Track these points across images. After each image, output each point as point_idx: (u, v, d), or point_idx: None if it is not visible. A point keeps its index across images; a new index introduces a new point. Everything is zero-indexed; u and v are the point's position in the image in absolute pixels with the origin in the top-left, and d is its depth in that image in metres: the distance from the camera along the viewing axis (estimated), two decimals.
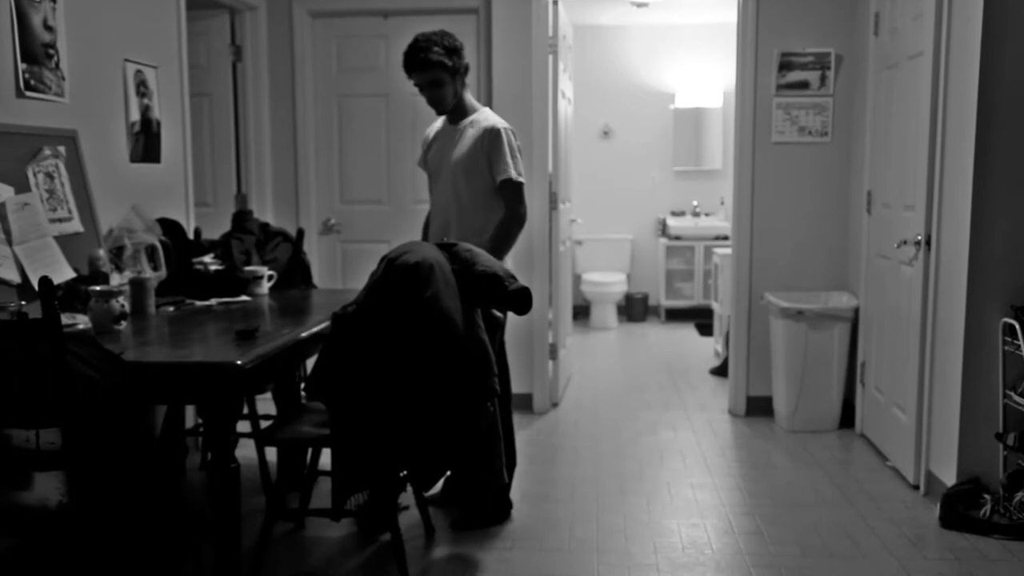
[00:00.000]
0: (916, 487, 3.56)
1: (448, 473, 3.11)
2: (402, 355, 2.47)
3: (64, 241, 2.94)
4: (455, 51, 3.27)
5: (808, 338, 4.30)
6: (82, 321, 2.45)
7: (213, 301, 3.12)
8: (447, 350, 2.50)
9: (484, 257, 2.69)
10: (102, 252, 2.97)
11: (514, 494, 3.42)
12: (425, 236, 3.55)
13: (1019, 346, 3.03)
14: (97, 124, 3.35)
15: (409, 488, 3.19)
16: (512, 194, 3.27)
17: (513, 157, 3.26)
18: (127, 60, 3.55)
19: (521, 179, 3.28)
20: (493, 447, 3.28)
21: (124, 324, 2.57)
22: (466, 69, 3.34)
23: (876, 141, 4.13)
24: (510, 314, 2.97)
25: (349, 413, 2.51)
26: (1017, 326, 3.05)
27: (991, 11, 3.09)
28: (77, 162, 3.16)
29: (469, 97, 3.41)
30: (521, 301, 2.65)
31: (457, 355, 2.52)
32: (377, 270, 2.52)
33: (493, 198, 3.29)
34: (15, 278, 2.70)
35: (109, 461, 2.09)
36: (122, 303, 2.57)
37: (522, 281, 2.69)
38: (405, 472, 2.78)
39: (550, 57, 4.68)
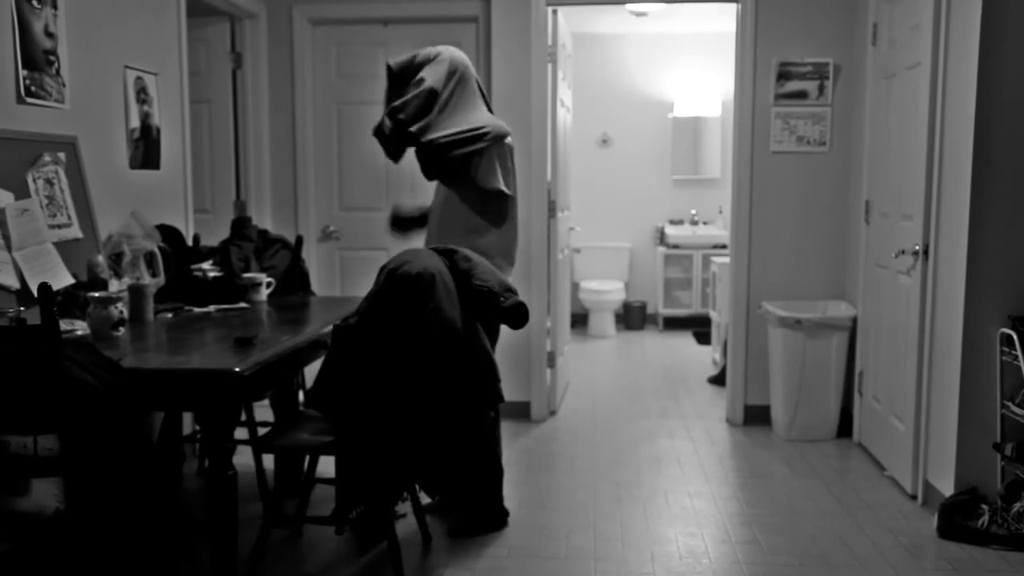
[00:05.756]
0: (914, 497, 3.56)
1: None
2: (406, 366, 2.46)
3: (63, 247, 2.94)
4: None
5: (806, 347, 4.31)
6: (80, 327, 2.46)
7: (212, 308, 3.12)
8: (452, 360, 2.50)
9: (481, 269, 2.69)
10: (101, 258, 2.97)
11: (511, 502, 3.42)
12: None
13: (1017, 356, 3.04)
14: (97, 130, 3.35)
15: (406, 496, 3.19)
16: None
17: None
18: (127, 67, 3.56)
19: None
20: (493, 453, 3.28)
21: (122, 330, 2.57)
22: None
23: (874, 151, 4.14)
24: None
25: (353, 425, 2.50)
26: (1015, 336, 3.05)
27: (989, 21, 3.10)
28: (77, 168, 3.16)
29: None
30: (516, 316, 2.66)
31: (462, 364, 2.52)
32: (378, 281, 2.52)
33: (455, 196, 3.16)
34: (14, 284, 2.70)
35: (106, 467, 2.09)
36: (121, 309, 2.57)
37: (520, 289, 2.69)
38: (411, 483, 2.77)
39: (549, 65, 4.70)
